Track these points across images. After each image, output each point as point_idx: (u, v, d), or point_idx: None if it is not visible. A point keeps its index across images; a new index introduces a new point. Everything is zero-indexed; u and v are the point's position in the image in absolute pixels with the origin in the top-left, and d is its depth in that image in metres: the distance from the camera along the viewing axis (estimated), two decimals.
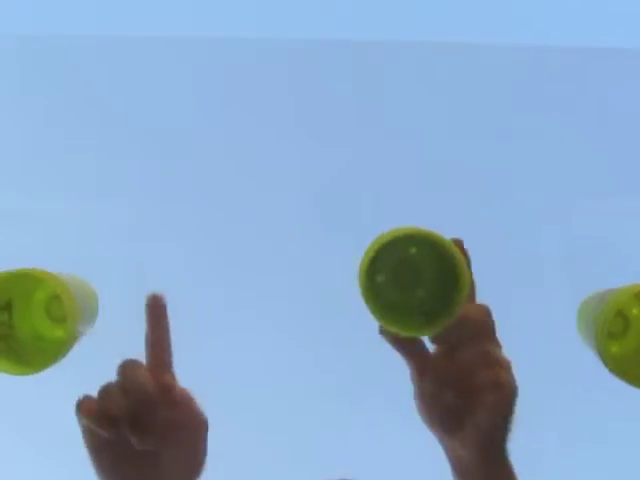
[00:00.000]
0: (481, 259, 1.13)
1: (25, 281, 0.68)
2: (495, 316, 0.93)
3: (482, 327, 0.65)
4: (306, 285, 1.19)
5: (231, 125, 1.27)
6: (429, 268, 0.77)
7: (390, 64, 1.29)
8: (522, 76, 1.28)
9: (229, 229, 1.21)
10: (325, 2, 1.30)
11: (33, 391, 1.09)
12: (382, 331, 0.65)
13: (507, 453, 0.66)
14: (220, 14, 1.30)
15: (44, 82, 1.28)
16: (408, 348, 0.66)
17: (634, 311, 0.90)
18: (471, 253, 0.98)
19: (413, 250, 0.78)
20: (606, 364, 0.77)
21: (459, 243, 0.67)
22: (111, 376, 0.64)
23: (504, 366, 0.65)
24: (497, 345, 0.65)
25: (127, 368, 0.61)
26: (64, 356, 0.68)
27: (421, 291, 0.77)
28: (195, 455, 0.64)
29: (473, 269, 0.84)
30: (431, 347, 0.64)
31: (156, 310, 0.64)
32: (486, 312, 0.66)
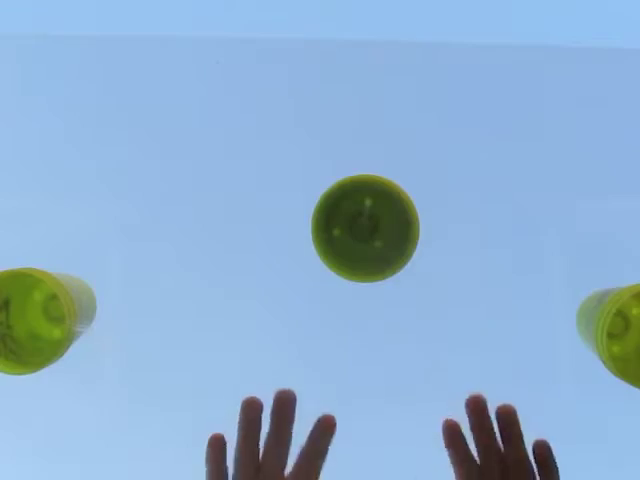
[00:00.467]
0: (481, 259, 1.12)
1: (23, 281, 0.67)
2: (496, 318, 0.93)
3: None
4: (306, 285, 1.18)
5: (231, 125, 1.27)
6: (385, 218, 0.77)
7: (390, 64, 1.28)
8: (522, 76, 1.28)
9: (229, 229, 1.21)
10: (325, 2, 1.30)
11: (31, 391, 1.09)
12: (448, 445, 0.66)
13: None
14: (220, 14, 1.30)
15: (44, 82, 1.28)
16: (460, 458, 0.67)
17: (634, 311, 0.90)
18: (471, 253, 0.97)
19: (368, 202, 0.79)
20: (606, 364, 0.77)
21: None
22: (110, 375, 0.64)
23: None
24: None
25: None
26: (61, 356, 0.68)
27: (378, 242, 0.77)
28: None
29: (473, 269, 0.83)
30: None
31: (285, 409, 0.64)
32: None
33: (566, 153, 1.25)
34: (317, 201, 0.76)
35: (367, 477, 1.18)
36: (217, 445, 0.67)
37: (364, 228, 0.79)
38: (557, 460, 0.75)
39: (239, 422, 0.67)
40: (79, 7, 1.28)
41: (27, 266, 0.66)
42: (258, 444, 0.67)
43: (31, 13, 1.29)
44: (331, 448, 0.71)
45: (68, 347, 0.68)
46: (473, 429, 0.71)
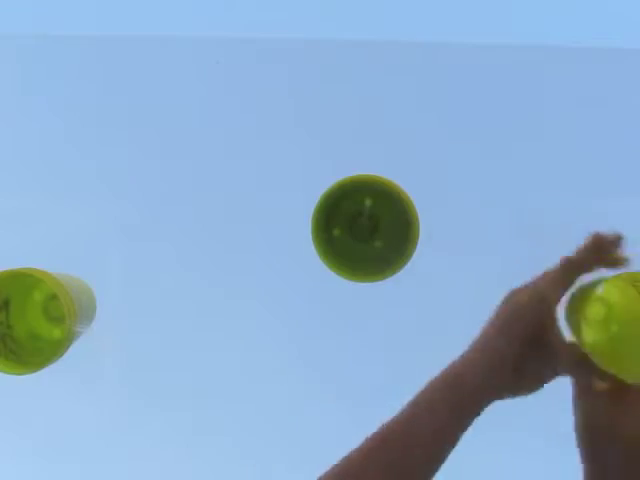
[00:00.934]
0: (481, 259, 1.12)
1: (23, 281, 0.67)
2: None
3: None
4: (306, 285, 1.19)
5: (231, 125, 1.27)
6: (385, 218, 0.77)
7: (390, 64, 1.28)
8: (522, 76, 1.28)
9: (229, 229, 1.21)
10: (325, 2, 1.30)
11: (31, 391, 1.09)
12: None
13: None
14: (220, 14, 1.30)
15: (44, 82, 1.28)
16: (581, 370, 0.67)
17: (614, 298, 0.91)
18: (472, 253, 0.97)
19: (368, 202, 0.79)
20: (587, 350, 0.77)
21: None
22: (110, 375, 0.64)
23: None
24: None
25: None
26: (61, 356, 0.68)
27: (378, 242, 0.77)
28: None
29: (472, 269, 0.83)
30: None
31: None
32: None
33: (566, 153, 1.25)
34: (317, 201, 0.76)
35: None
36: None
37: (364, 228, 0.79)
38: (553, 457, 0.74)
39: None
40: (79, 7, 1.28)
41: (27, 266, 0.66)
42: None
43: (31, 13, 1.29)
44: (332, 449, 0.71)
45: (68, 347, 0.68)
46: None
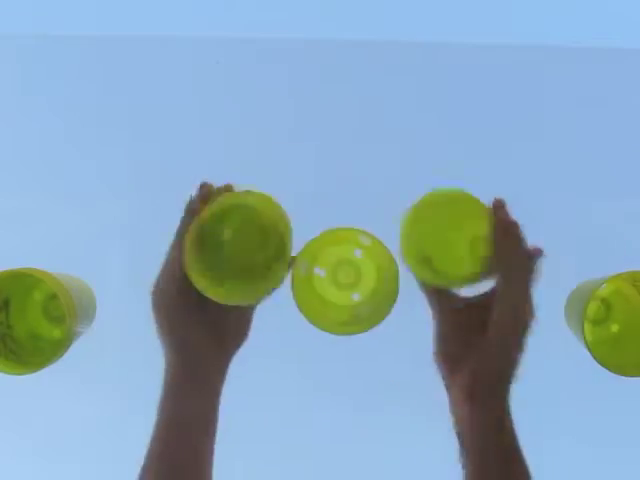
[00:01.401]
0: None
1: (23, 281, 0.67)
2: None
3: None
4: None
5: (231, 125, 1.27)
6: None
7: (390, 64, 1.28)
8: (522, 76, 1.28)
9: None
10: (325, 2, 1.30)
11: (31, 391, 1.09)
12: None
13: (508, 412, 0.64)
14: (220, 14, 1.30)
15: (44, 82, 1.28)
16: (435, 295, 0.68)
17: (616, 298, 0.91)
18: None
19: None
20: (588, 349, 0.77)
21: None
22: (110, 375, 0.64)
23: (525, 302, 0.64)
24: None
25: None
26: (61, 356, 0.68)
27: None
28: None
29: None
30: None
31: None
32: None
33: (565, 153, 1.25)
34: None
35: (367, 476, 1.18)
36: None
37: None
38: (554, 455, 0.74)
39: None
40: (79, 7, 1.28)
41: (27, 266, 0.66)
42: None
43: (31, 13, 1.29)
44: (332, 448, 0.70)
45: (68, 347, 0.68)
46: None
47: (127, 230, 1.20)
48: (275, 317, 0.89)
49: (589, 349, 0.78)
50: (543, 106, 1.27)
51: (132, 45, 1.27)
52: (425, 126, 1.27)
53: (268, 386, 1.16)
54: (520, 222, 0.76)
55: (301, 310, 0.70)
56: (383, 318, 0.70)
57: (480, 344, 0.64)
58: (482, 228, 0.72)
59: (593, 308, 0.89)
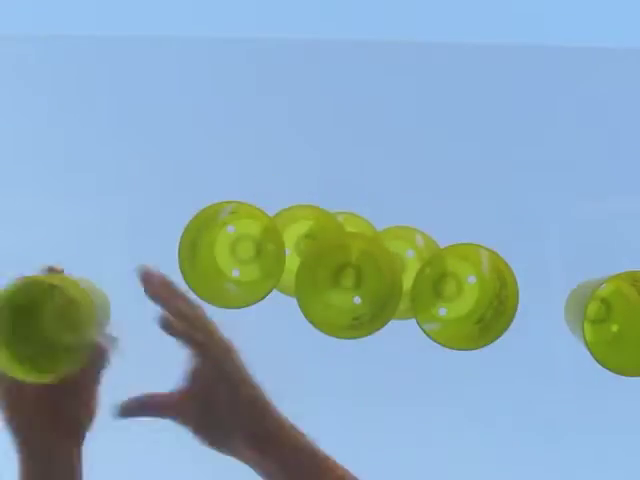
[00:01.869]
0: None
1: (41, 287, 0.67)
2: None
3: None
4: None
5: (231, 125, 1.27)
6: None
7: (390, 64, 1.28)
8: (522, 76, 1.28)
9: None
10: (325, 2, 1.30)
11: None
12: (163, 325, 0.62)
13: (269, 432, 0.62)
14: (220, 14, 1.30)
15: (44, 82, 1.28)
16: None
17: (615, 298, 0.91)
18: None
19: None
20: (588, 349, 0.77)
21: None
22: (110, 375, 0.64)
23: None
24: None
25: None
26: (80, 363, 0.67)
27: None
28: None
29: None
30: None
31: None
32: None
33: (566, 153, 1.25)
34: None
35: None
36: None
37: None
38: (553, 454, 0.75)
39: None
40: (79, 7, 1.28)
41: (34, 269, 0.66)
42: None
43: (31, 13, 1.29)
44: (332, 447, 0.71)
45: (87, 355, 0.67)
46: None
47: (127, 229, 1.21)
48: (277, 319, 0.88)
49: (589, 349, 0.78)
50: (543, 106, 1.27)
51: (132, 45, 1.27)
52: (425, 126, 1.27)
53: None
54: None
55: (304, 313, 0.70)
56: (385, 323, 0.70)
57: None
58: None
59: (593, 308, 0.89)
